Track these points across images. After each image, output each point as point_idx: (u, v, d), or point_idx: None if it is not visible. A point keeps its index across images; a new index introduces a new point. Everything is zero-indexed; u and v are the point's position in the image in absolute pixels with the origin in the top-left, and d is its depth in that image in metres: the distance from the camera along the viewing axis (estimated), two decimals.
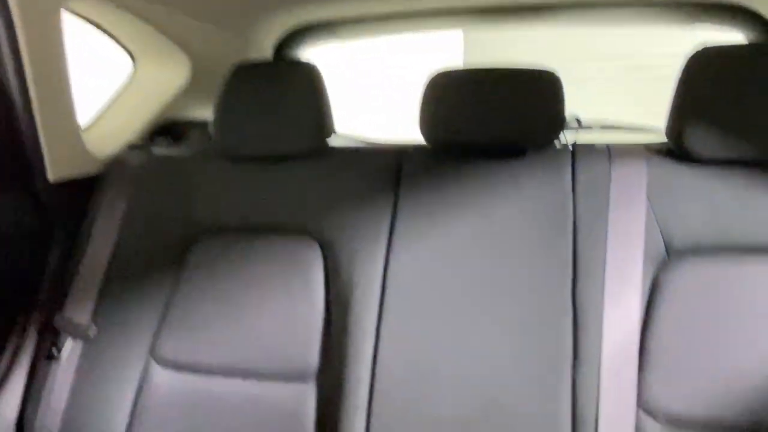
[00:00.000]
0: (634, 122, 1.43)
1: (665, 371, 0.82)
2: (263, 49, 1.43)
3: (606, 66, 4.75)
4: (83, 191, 1.11)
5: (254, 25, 1.33)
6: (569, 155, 0.96)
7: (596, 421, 0.81)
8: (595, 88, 4.61)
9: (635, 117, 1.47)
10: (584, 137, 1.23)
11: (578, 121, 1.26)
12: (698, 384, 0.80)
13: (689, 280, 0.84)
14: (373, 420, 0.88)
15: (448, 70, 1.01)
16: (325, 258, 0.99)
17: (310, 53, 1.55)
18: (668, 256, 0.86)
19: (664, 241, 0.87)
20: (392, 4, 1.32)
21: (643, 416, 0.81)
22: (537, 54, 4.12)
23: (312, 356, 0.95)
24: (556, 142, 1.01)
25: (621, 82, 4.83)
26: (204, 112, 1.42)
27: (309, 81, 1.06)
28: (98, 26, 1.17)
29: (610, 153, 0.95)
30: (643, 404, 0.81)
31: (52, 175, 1.03)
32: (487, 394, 0.85)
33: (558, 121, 0.97)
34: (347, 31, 1.49)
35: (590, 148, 0.98)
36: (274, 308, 0.98)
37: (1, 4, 0.89)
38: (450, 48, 4.89)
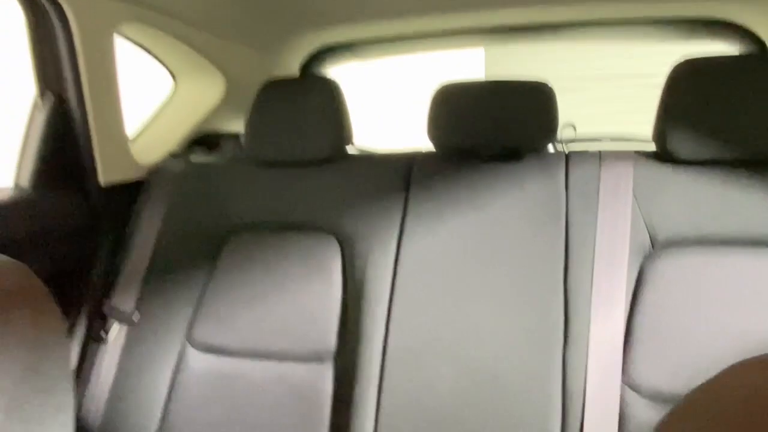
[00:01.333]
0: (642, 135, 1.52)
1: (648, 350, 0.90)
2: (290, 68, 1.57)
3: (629, 83, 4.83)
4: (130, 194, 1.25)
5: (282, 46, 1.47)
6: (563, 159, 1.06)
7: (584, 395, 0.89)
8: (622, 106, 4.71)
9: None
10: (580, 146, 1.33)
11: (573, 127, 1.36)
12: (678, 362, 0.88)
13: (671, 269, 0.92)
14: (383, 395, 0.97)
15: (453, 82, 1.13)
16: (343, 252, 1.10)
17: (333, 70, 1.69)
18: (653, 248, 0.95)
19: (649, 234, 0.96)
20: (412, 25, 1.44)
21: (628, 391, 0.89)
22: (560, 73, 4.24)
23: (330, 339, 1.05)
24: (552, 148, 1.11)
25: (645, 98, 4.93)
26: (235, 126, 1.56)
27: (330, 95, 1.18)
28: (144, 48, 1.31)
29: (601, 157, 1.05)
30: (627, 380, 0.89)
31: (102, 179, 1.17)
32: (485, 372, 0.94)
33: (552, 128, 1.07)
34: (368, 51, 1.62)
35: (582, 154, 1.07)
36: (297, 296, 1.09)
37: (63, 27, 1.03)
38: (472, 63, 5.02)
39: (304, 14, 1.38)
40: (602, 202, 0.98)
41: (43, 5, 1.01)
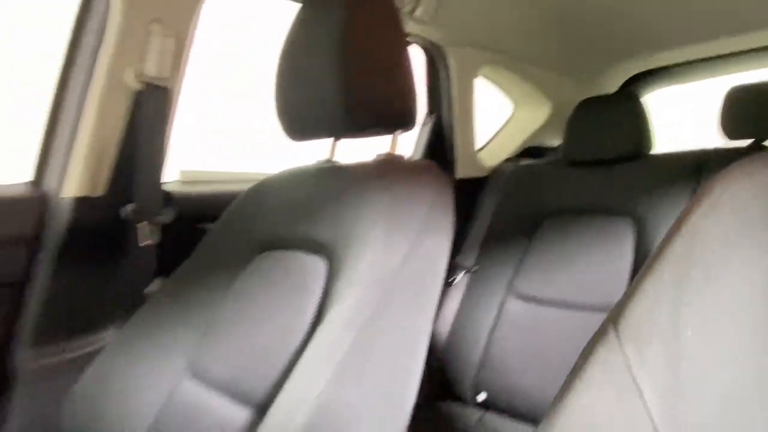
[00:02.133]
0: None
1: None
2: (606, 92, 1.88)
3: None
4: (476, 187, 1.74)
5: (599, 75, 1.80)
6: None
7: None
8: None
9: None
10: None
11: None
12: None
13: None
14: None
15: (745, 83, 1.31)
16: (635, 229, 1.36)
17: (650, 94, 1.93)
18: None
19: None
20: (733, 44, 1.60)
21: None
22: None
23: (618, 296, 1.32)
24: None
25: None
26: (555, 141, 1.93)
27: (632, 106, 1.46)
28: (492, 81, 1.81)
29: None
30: None
31: (458, 175, 1.67)
32: None
33: None
34: (687, 73, 1.82)
35: None
36: (595, 262, 1.39)
37: (445, 69, 1.57)
38: None
39: (619, 46, 1.70)
40: None
41: (436, 55, 1.57)
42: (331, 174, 0.92)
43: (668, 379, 0.40)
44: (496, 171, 1.74)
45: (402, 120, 0.89)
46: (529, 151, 1.91)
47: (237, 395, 0.78)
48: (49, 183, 0.99)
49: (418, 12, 1.36)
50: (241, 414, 0.76)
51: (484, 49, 1.60)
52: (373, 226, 0.74)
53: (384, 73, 0.86)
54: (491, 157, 1.82)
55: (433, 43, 1.52)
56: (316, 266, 0.80)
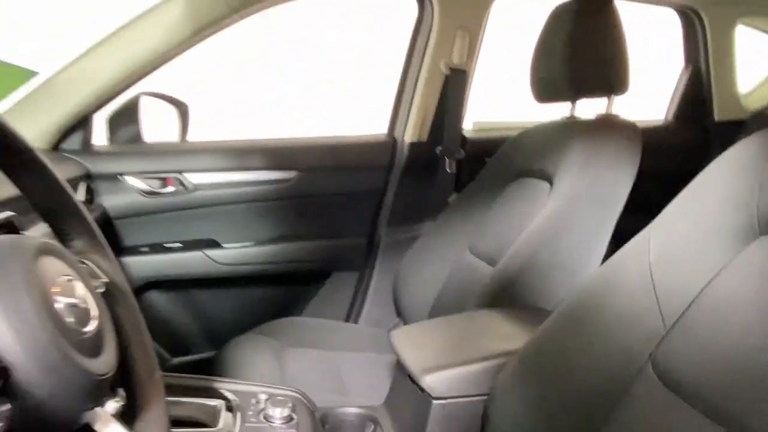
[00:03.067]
0: None
1: None
2: None
3: None
4: (737, 129, 1.91)
5: None
6: None
7: None
8: None
9: None
10: None
11: None
12: None
13: None
14: None
15: None
16: None
17: None
18: None
19: None
20: None
21: None
22: None
23: None
24: None
25: None
26: None
27: None
28: (759, 29, 1.91)
29: None
30: None
31: (716, 117, 1.88)
32: None
33: None
34: None
35: None
36: None
37: (699, 22, 1.78)
38: None
39: None
40: None
41: (691, 15, 1.79)
42: (563, 126, 1.37)
43: (663, 236, 0.78)
44: (757, 113, 1.88)
45: (616, 88, 1.29)
46: None
47: (491, 261, 1.33)
48: (397, 132, 1.67)
49: None
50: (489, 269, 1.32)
51: (741, 4, 1.75)
52: (575, 160, 1.20)
53: (603, 55, 1.27)
54: (758, 101, 1.94)
55: (687, 7, 1.75)
56: (544, 188, 1.29)
